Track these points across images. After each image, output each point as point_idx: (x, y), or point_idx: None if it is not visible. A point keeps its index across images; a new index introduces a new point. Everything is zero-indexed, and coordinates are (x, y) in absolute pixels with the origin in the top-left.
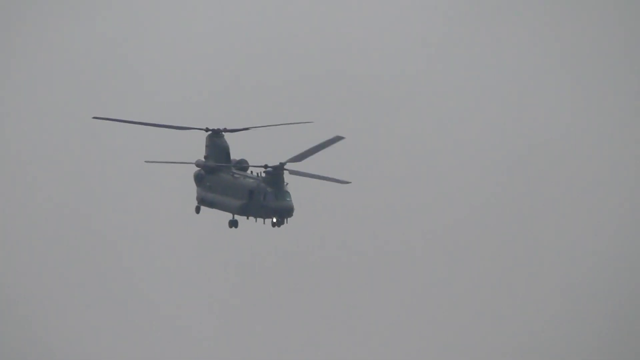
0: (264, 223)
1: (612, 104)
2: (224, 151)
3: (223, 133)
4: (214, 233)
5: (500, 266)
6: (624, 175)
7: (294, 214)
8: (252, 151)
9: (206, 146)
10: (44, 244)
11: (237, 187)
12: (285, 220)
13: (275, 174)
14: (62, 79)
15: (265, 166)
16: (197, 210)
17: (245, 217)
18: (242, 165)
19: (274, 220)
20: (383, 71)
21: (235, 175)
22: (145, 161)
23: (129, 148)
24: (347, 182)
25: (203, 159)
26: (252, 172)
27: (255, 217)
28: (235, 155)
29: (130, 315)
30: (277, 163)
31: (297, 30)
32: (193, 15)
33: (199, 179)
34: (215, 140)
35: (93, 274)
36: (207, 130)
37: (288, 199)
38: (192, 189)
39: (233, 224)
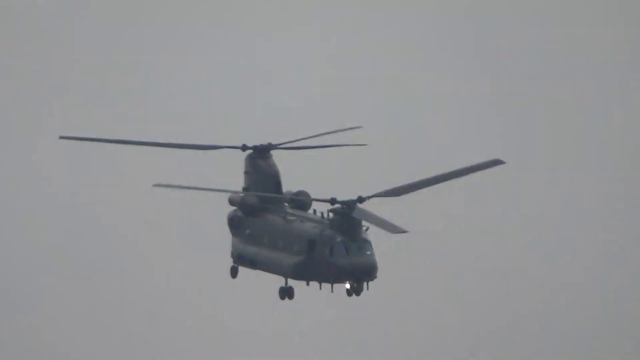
0: (332, 291)
1: None
2: (272, 179)
3: (270, 152)
4: (256, 308)
5: None
6: None
7: (377, 274)
8: (318, 178)
9: (245, 173)
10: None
11: (290, 236)
12: (366, 285)
13: (347, 215)
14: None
15: (333, 201)
16: (233, 272)
17: (305, 282)
18: (301, 200)
19: (348, 285)
20: None
21: (290, 218)
22: (154, 185)
23: (133, 181)
24: (405, 232)
25: (240, 193)
26: (315, 211)
27: (319, 281)
28: (289, 185)
29: None
30: (353, 197)
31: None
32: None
33: (234, 224)
34: (258, 163)
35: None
36: (244, 148)
37: (368, 253)
38: (226, 239)
39: (286, 293)
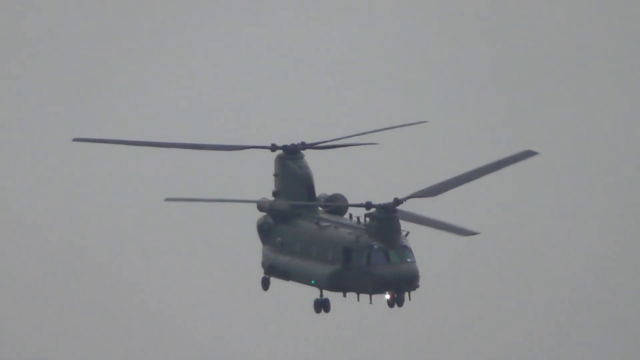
0: (371, 302)
1: None
2: (305, 182)
3: (302, 152)
4: (291, 323)
5: None
6: None
7: (419, 283)
8: (353, 179)
9: (275, 175)
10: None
11: (324, 244)
12: (407, 295)
13: (385, 219)
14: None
15: (368, 205)
16: (265, 284)
17: (342, 294)
18: (336, 205)
19: (388, 296)
20: None
21: (323, 224)
22: (166, 199)
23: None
24: (475, 233)
25: (270, 198)
26: (351, 216)
27: (357, 292)
28: (323, 188)
29: None
30: (390, 200)
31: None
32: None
33: (264, 231)
34: (289, 164)
35: None
36: (274, 148)
37: (409, 260)
38: (256, 248)
39: (322, 305)
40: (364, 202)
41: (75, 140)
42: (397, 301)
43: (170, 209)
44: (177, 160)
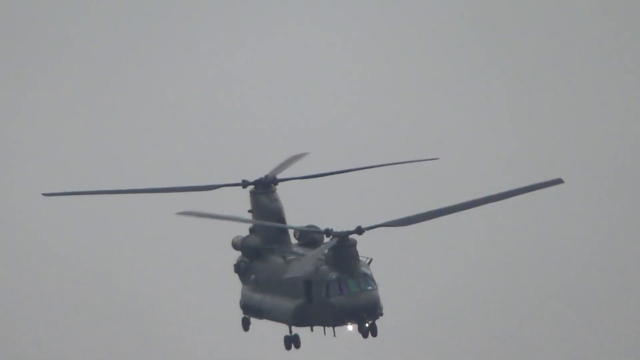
0: (334, 335)
1: None
2: (275, 215)
3: (274, 186)
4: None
5: None
6: None
7: (381, 312)
8: (337, 210)
9: (250, 211)
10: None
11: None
12: (371, 324)
13: (341, 247)
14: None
15: (327, 232)
16: (245, 324)
17: (309, 328)
18: (310, 236)
19: (350, 328)
20: None
21: (289, 258)
22: (178, 213)
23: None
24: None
25: (247, 235)
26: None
27: (321, 325)
28: (300, 219)
29: None
30: (352, 227)
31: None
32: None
33: (241, 270)
34: (261, 198)
35: None
36: (244, 184)
37: (369, 288)
38: (236, 287)
39: (291, 341)
40: (324, 230)
41: (45, 194)
42: (364, 331)
43: (155, 260)
44: (151, 205)
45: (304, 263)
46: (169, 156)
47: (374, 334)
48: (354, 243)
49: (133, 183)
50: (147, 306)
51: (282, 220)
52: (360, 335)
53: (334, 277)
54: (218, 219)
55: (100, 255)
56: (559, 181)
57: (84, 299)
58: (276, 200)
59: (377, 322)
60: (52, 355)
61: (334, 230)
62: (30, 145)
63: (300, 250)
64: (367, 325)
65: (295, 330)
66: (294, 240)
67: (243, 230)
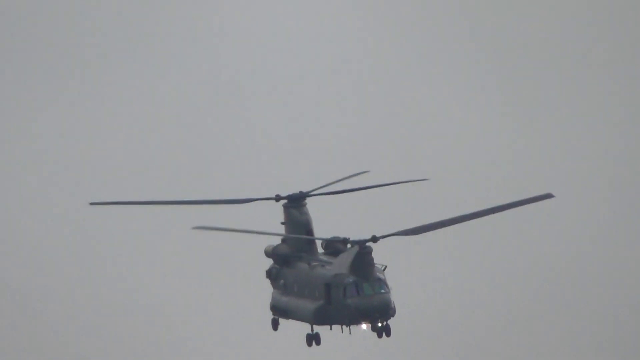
0: (350, 333)
1: None
2: (304, 227)
3: (304, 200)
4: (285, 356)
5: None
6: None
7: (393, 313)
8: (359, 221)
9: (282, 223)
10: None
11: (312, 282)
12: (384, 324)
13: (360, 254)
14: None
15: (345, 241)
16: (274, 324)
17: (329, 327)
18: (335, 246)
19: (364, 327)
20: None
21: (313, 264)
22: (194, 228)
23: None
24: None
25: (278, 244)
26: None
27: (339, 324)
28: (329, 231)
29: None
30: (368, 236)
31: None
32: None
33: (272, 276)
34: (292, 212)
35: None
36: (277, 198)
37: (382, 291)
38: (267, 289)
39: (313, 339)
40: (341, 239)
41: (92, 204)
42: (379, 330)
43: (190, 275)
44: (190, 216)
45: (342, 262)
46: (210, 169)
47: (388, 334)
48: (370, 250)
49: (174, 194)
50: (187, 309)
51: (310, 231)
52: (374, 334)
53: (350, 280)
54: (231, 232)
55: (143, 262)
56: (549, 196)
57: (129, 302)
58: (306, 213)
59: (390, 322)
60: (98, 350)
61: (351, 239)
62: (79, 154)
63: (325, 258)
64: (380, 325)
65: (316, 328)
66: (320, 250)
67: (276, 240)
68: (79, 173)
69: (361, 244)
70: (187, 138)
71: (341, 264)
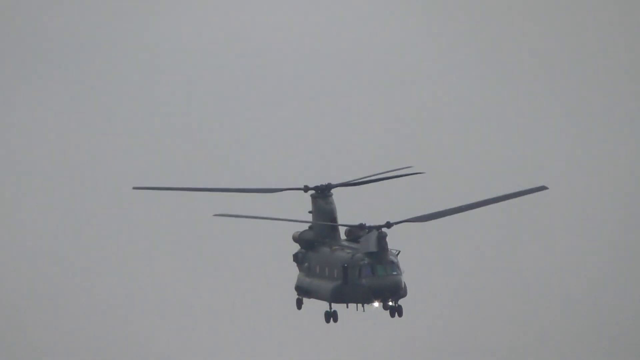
0: (364, 310)
1: None
2: (329, 215)
3: (330, 191)
4: (304, 332)
5: None
6: None
7: (404, 293)
8: (379, 211)
9: (310, 212)
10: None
11: (332, 264)
12: (395, 303)
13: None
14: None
15: (362, 226)
16: (298, 304)
17: (345, 306)
18: (356, 233)
19: (377, 304)
20: None
21: (334, 248)
22: (215, 215)
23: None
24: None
25: (304, 230)
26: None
27: (354, 302)
28: (356, 218)
29: None
30: (383, 222)
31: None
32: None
33: (298, 259)
34: (319, 202)
35: None
36: (306, 189)
37: (394, 273)
38: (294, 272)
39: (331, 316)
40: (358, 224)
41: (135, 188)
42: (391, 310)
43: (222, 257)
44: (223, 204)
45: (369, 242)
46: (245, 158)
47: (400, 314)
48: (384, 235)
49: (211, 182)
50: (218, 290)
51: (334, 219)
52: (387, 313)
53: (365, 262)
54: (251, 219)
55: (179, 245)
56: (542, 188)
57: (164, 278)
58: (331, 203)
59: (402, 303)
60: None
61: (367, 224)
62: (125, 140)
63: (346, 243)
64: (391, 304)
65: (334, 307)
66: (343, 237)
67: (304, 227)
68: (126, 158)
69: (377, 229)
70: (224, 129)
71: (369, 244)
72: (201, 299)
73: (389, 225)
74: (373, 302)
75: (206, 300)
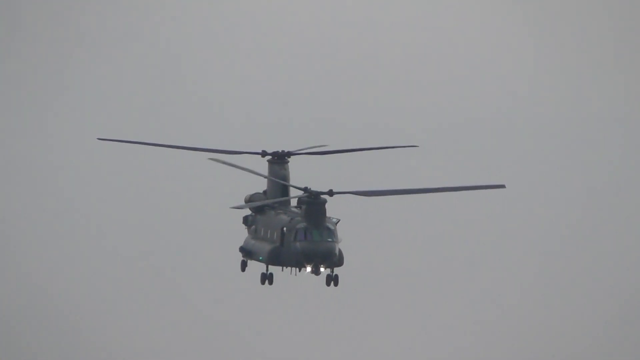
0: (296, 275)
1: None
2: (281, 181)
3: (287, 158)
4: (242, 292)
5: None
6: None
7: (336, 260)
8: (334, 179)
9: (265, 177)
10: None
11: (273, 227)
12: (330, 270)
13: (311, 203)
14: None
15: (305, 190)
16: (242, 266)
17: (280, 268)
18: (304, 200)
19: (309, 269)
20: None
21: (278, 212)
22: (209, 159)
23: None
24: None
25: (255, 193)
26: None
27: (289, 266)
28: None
29: None
30: (327, 189)
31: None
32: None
33: (248, 222)
34: (274, 167)
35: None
36: (264, 154)
37: (329, 240)
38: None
39: (266, 278)
40: (303, 187)
41: (99, 139)
42: (333, 280)
43: (177, 212)
44: (183, 161)
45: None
46: (214, 119)
47: (336, 284)
48: (324, 202)
49: (176, 139)
50: (165, 246)
51: (285, 186)
52: (323, 282)
53: (302, 226)
54: (239, 169)
55: (135, 199)
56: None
57: (116, 234)
58: (285, 169)
59: (338, 273)
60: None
61: (311, 189)
62: (91, 92)
63: (293, 209)
64: (324, 270)
65: (271, 269)
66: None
67: (259, 187)
68: (92, 110)
69: (317, 194)
70: (197, 90)
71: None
72: (151, 255)
73: (331, 193)
74: (305, 266)
75: (155, 259)
